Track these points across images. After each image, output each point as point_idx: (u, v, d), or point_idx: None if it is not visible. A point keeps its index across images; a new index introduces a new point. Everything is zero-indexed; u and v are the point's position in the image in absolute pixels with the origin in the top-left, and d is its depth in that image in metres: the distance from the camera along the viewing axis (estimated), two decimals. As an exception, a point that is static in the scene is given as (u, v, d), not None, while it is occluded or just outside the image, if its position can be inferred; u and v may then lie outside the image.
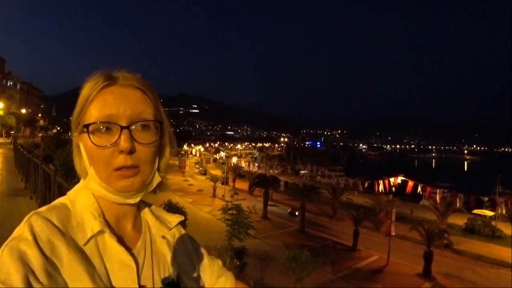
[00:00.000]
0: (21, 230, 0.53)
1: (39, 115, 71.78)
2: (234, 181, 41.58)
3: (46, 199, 5.64)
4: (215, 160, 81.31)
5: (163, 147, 0.65)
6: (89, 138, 0.57)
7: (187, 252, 0.74)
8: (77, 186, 0.65)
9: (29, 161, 8.27)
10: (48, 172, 5.25)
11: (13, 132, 46.85)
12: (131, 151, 0.58)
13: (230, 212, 9.43)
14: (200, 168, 55.98)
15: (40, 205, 6.56)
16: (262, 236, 20.31)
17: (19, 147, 14.77)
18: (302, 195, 24.04)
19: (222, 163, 62.93)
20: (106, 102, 0.59)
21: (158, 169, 0.65)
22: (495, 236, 22.89)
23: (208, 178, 36.34)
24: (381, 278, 15.93)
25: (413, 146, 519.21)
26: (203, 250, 0.78)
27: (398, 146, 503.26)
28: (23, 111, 57.15)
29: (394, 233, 18.76)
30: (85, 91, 0.60)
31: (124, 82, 0.61)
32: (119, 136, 0.57)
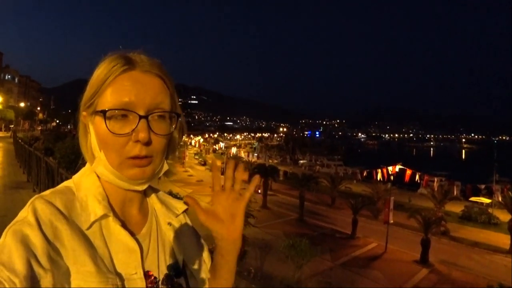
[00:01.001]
0: (25, 213, 0.53)
1: (38, 108, 71.42)
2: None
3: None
4: (214, 150, 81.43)
5: (173, 135, 0.64)
6: (106, 124, 0.56)
7: (192, 240, 0.73)
8: (82, 170, 0.64)
9: (30, 154, 8.34)
10: (51, 165, 5.32)
11: (12, 125, 46.75)
12: (148, 142, 0.56)
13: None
14: (200, 159, 56.13)
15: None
16: (262, 225, 20.54)
17: (20, 140, 14.81)
18: (301, 185, 24.24)
19: (222, 154, 63.08)
20: (124, 88, 0.57)
21: (166, 157, 0.64)
22: (491, 223, 23.23)
23: (208, 168, 36.53)
24: (379, 265, 16.23)
25: (411, 135, 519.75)
26: (203, 242, 0.77)
27: (396, 135, 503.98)
28: (22, 104, 56.95)
29: (392, 221, 19.00)
30: (102, 72, 0.58)
31: (144, 68, 0.59)
32: (137, 126, 0.56)
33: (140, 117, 0.56)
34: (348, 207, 21.48)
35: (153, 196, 0.71)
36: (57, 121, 77.77)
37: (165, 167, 0.64)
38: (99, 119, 0.57)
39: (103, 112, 0.56)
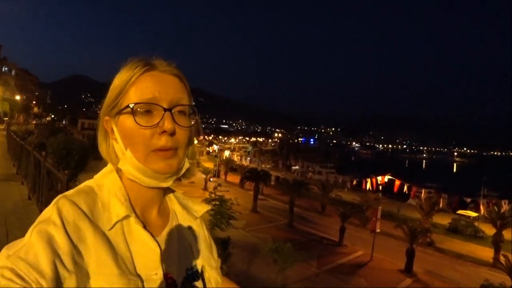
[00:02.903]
0: (49, 212, 0.54)
1: (34, 102, 70.92)
2: (226, 174, 41.84)
3: (36, 184, 5.81)
4: (208, 152, 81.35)
5: (192, 134, 0.67)
6: (133, 117, 0.58)
7: (208, 244, 0.75)
8: (103, 170, 0.66)
9: (22, 147, 8.41)
10: (39, 158, 5.43)
11: (6, 118, 46.35)
12: (173, 133, 0.59)
13: (213, 203, 9.71)
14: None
15: (31, 190, 6.79)
16: (251, 229, 20.67)
17: (12, 133, 14.80)
18: (291, 190, 24.43)
19: (215, 156, 63.06)
20: (147, 85, 0.60)
21: (187, 156, 0.66)
22: (477, 237, 23.58)
23: (200, 170, 36.54)
24: (365, 272, 16.42)
25: (405, 146, 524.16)
26: (214, 246, 0.79)
27: (390, 145, 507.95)
28: (18, 97, 56.41)
29: (379, 230, 19.24)
30: (124, 74, 0.62)
31: (163, 68, 0.63)
32: (162, 118, 0.59)
33: (165, 110, 0.59)
34: (337, 215, 21.69)
35: (172, 198, 0.73)
36: (52, 116, 77.26)
37: (187, 165, 0.66)
38: (124, 117, 0.60)
39: (131, 107, 0.59)
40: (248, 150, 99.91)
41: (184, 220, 0.71)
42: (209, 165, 46.08)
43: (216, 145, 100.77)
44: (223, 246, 8.85)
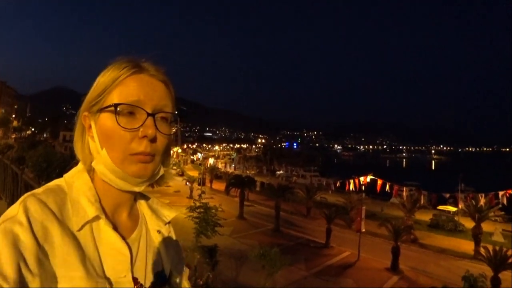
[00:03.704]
0: (15, 211, 0.51)
1: (13, 115, 68.16)
2: (211, 182, 41.51)
3: (14, 198, 5.65)
4: (192, 161, 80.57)
5: (170, 142, 0.66)
6: (116, 118, 0.57)
7: (177, 250, 0.73)
8: (74, 169, 0.64)
9: (-1, 162, 8.14)
10: (16, 172, 5.30)
11: (-16, 132, 44.30)
12: (153, 139, 0.59)
13: (198, 210, 9.63)
14: (178, 169, 55.37)
15: (9, 204, 6.54)
16: (238, 235, 20.54)
17: (-12, 148, 14.25)
18: (277, 195, 24.50)
19: (200, 164, 62.54)
20: (134, 87, 0.60)
21: (162, 163, 0.65)
22: (457, 231, 24.33)
23: (185, 179, 36.13)
24: (352, 273, 16.59)
25: (385, 147, 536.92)
26: (183, 253, 0.78)
27: (371, 147, 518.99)
28: (-4, 111, 54.12)
29: (364, 230, 19.55)
30: (112, 72, 0.61)
31: (152, 72, 0.63)
32: (144, 122, 0.58)
33: (148, 114, 0.58)
34: (322, 217, 21.90)
35: (143, 202, 0.72)
36: (33, 129, 74.64)
37: (161, 172, 0.65)
38: (105, 116, 0.59)
39: (114, 106, 0.58)
40: (232, 157, 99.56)
41: (154, 224, 0.70)
42: (194, 173, 45.62)
43: (200, 153, 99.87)
44: (210, 254, 8.78)
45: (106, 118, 0.58)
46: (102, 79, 0.61)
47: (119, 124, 0.57)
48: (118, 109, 0.57)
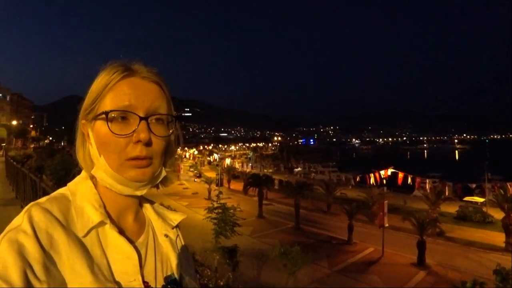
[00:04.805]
0: (20, 220, 0.52)
1: (31, 126, 71.12)
2: (229, 182, 41.67)
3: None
4: (209, 162, 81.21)
5: (170, 141, 0.66)
6: (108, 125, 0.57)
7: (185, 253, 0.73)
8: (77, 177, 0.64)
9: (18, 171, 8.37)
10: (35, 180, 5.39)
11: (4, 144, 46.38)
12: (148, 143, 0.58)
13: (216, 211, 9.60)
14: (195, 171, 55.94)
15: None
16: (258, 235, 20.48)
17: (10, 158, 14.82)
18: (295, 193, 24.25)
19: (217, 165, 62.99)
20: (125, 92, 0.59)
21: (164, 165, 0.65)
22: (486, 222, 23.34)
23: (203, 180, 36.42)
24: (377, 269, 16.19)
25: (404, 138, 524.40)
26: (190, 254, 0.78)
27: (390, 139, 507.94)
28: (14, 122, 56.51)
29: (387, 225, 19.05)
30: (102, 79, 0.60)
31: (143, 75, 0.62)
32: (137, 127, 0.58)
33: (141, 118, 0.58)
34: (343, 213, 21.51)
35: (148, 207, 0.72)
36: (50, 138, 77.42)
37: (163, 173, 0.65)
38: (99, 123, 0.59)
39: (105, 114, 0.57)
40: (249, 156, 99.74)
41: (161, 228, 0.69)
42: (211, 174, 45.98)
43: (217, 154, 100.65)
44: (230, 255, 8.72)
45: (101, 126, 0.59)
46: (94, 87, 0.61)
47: (111, 131, 0.57)
48: (110, 116, 0.57)
